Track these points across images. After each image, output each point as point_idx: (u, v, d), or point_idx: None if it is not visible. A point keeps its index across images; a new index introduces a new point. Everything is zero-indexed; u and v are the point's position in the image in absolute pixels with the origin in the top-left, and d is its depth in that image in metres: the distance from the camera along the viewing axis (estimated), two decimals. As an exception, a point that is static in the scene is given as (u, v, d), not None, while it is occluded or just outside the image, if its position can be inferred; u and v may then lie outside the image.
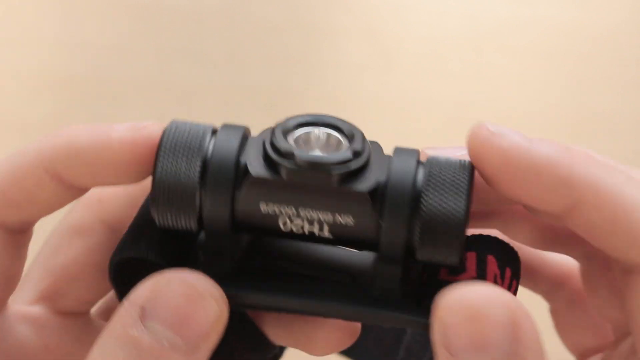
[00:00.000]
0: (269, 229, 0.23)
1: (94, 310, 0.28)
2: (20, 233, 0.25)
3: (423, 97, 0.73)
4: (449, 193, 0.22)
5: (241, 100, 0.71)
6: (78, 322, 0.27)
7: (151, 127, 0.23)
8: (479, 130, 0.24)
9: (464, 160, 0.23)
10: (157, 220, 0.23)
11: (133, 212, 0.25)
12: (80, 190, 0.25)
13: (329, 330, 0.25)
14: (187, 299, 0.21)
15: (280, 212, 0.23)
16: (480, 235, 0.24)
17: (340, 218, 0.23)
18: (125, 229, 0.26)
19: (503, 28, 0.76)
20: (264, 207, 0.23)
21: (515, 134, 0.24)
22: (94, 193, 0.26)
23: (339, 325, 0.25)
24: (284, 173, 0.22)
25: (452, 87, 0.74)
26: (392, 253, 0.23)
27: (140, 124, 0.24)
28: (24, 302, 0.26)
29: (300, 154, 0.22)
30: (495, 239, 0.24)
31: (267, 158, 0.23)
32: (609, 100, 0.75)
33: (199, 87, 0.71)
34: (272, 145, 0.22)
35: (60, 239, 0.26)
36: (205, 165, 0.22)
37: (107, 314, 0.28)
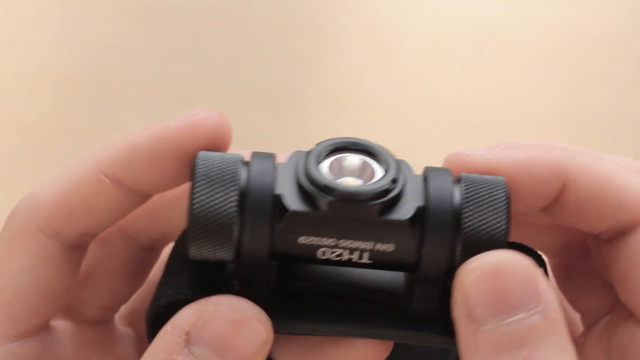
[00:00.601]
0: (306, 259, 0.23)
1: (117, 315, 0.28)
2: (76, 249, 0.25)
3: (423, 97, 0.73)
4: (488, 210, 0.23)
5: (241, 100, 0.71)
6: (103, 330, 0.27)
7: (205, 113, 0.24)
8: (456, 156, 0.25)
9: (498, 177, 0.23)
10: (191, 253, 0.22)
11: (151, 221, 0.25)
12: (141, 197, 0.25)
13: (363, 346, 0.25)
14: (234, 324, 0.21)
15: (320, 243, 0.23)
16: (510, 243, 0.24)
17: (380, 246, 0.23)
18: (140, 235, 0.26)
19: (503, 28, 0.76)
20: (302, 240, 0.23)
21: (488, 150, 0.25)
22: None
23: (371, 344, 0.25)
24: (323, 206, 0.22)
25: (452, 87, 0.74)
26: (432, 274, 0.23)
27: (193, 111, 0.24)
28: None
29: (339, 187, 0.22)
30: (523, 245, 0.25)
31: (303, 190, 0.22)
32: (609, 100, 0.75)
33: (199, 87, 0.71)
34: (308, 176, 0.22)
35: None
36: (242, 197, 0.22)
37: (130, 318, 0.28)
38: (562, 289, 0.28)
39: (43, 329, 0.25)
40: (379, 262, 0.23)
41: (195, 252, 0.22)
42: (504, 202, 0.23)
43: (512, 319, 0.21)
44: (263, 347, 0.21)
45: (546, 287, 0.21)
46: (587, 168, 0.24)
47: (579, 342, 0.27)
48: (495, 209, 0.23)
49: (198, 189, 0.22)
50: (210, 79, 0.72)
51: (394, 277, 0.25)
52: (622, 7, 0.79)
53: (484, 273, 0.21)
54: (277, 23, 0.75)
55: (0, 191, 0.62)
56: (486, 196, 0.23)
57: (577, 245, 0.27)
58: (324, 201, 0.22)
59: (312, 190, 0.22)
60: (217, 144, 0.24)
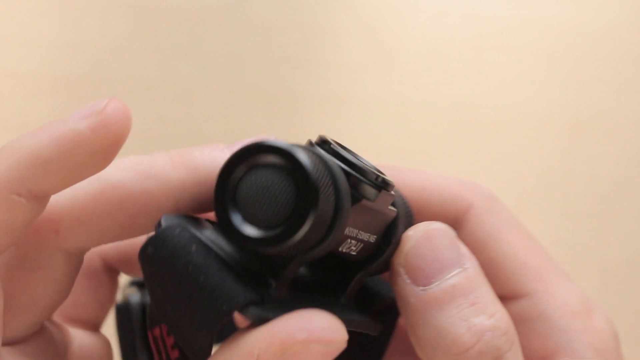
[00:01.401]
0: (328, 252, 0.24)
1: (105, 249, 0.29)
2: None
3: (423, 97, 0.73)
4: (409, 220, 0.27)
5: (241, 100, 0.71)
6: (40, 342, 0.26)
7: (112, 107, 0.23)
8: None
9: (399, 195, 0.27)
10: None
11: (97, 235, 0.24)
12: (47, 199, 0.24)
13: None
14: (326, 357, 0.21)
15: (351, 234, 0.24)
16: None
17: (370, 237, 0.25)
18: (87, 249, 0.25)
19: (503, 28, 0.76)
20: (348, 231, 0.24)
21: None
22: (47, 225, 0.24)
23: None
24: (372, 196, 0.24)
25: (452, 87, 0.74)
26: (377, 269, 0.26)
27: (96, 104, 0.24)
28: None
29: (383, 176, 0.25)
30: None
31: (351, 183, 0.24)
32: (608, 100, 0.75)
33: (199, 87, 0.71)
34: (350, 164, 0.24)
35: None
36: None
37: (123, 260, 0.29)
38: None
39: (32, 336, 0.25)
40: (359, 253, 0.25)
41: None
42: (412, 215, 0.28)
43: (451, 273, 0.24)
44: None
45: (465, 246, 0.25)
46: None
47: None
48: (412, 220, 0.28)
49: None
50: (210, 79, 0.72)
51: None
52: (622, 7, 0.79)
53: (418, 239, 0.25)
54: (277, 23, 0.75)
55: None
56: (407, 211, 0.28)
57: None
58: (373, 191, 0.24)
59: (363, 179, 0.24)
60: (124, 137, 0.23)
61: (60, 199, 0.24)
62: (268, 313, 0.22)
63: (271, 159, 0.21)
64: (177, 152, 0.25)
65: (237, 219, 0.21)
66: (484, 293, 0.24)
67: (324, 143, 0.24)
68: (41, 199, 0.23)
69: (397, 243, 0.25)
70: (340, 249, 0.24)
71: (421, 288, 0.24)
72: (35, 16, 0.74)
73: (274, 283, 0.23)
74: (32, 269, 0.24)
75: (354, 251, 0.24)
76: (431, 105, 0.73)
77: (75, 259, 0.25)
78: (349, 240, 0.24)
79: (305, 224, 0.21)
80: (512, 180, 0.73)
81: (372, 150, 0.70)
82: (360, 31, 0.76)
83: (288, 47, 0.74)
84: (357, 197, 0.23)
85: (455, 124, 0.72)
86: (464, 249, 0.25)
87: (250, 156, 0.22)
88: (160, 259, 0.22)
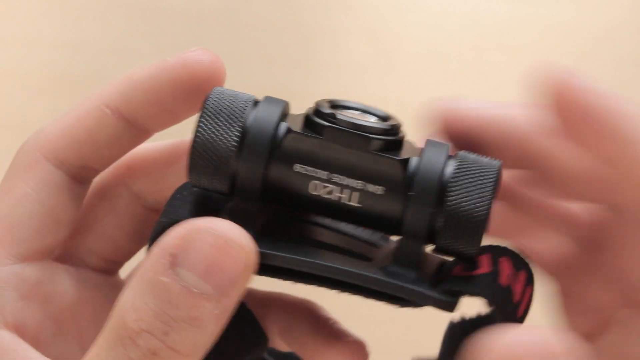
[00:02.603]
0: (297, 194, 0.24)
1: (124, 274, 0.29)
2: (79, 182, 0.26)
3: (423, 97, 0.73)
4: (475, 189, 0.23)
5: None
6: (106, 280, 0.28)
7: (200, 51, 0.27)
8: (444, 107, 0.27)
9: (494, 161, 0.24)
10: (191, 179, 0.24)
11: (156, 184, 0.27)
12: (141, 132, 0.26)
13: (341, 352, 0.26)
14: (217, 249, 0.21)
15: (313, 175, 0.23)
16: (495, 245, 0.25)
17: (371, 186, 0.23)
18: (145, 195, 0.27)
19: (503, 28, 0.76)
20: (298, 168, 0.23)
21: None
22: (123, 159, 0.27)
23: (351, 349, 0.26)
24: (325, 132, 0.23)
25: (452, 87, 0.74)
26: (414, 231, 0.23)
27: (189, 50, 0.26)
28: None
29: (343, 117, 0.24)
30: (508, 248, 0.25)
31: (308, 122, 0.24)
32: (609, 100, 0.75)
33: (199, 87, 0.72)
34: (315, 111, 0.24)
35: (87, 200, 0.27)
36: (244, 131, 0.23)
37: None
38: (568, 288, 0.28)
39: (45, 256, 0.26)
40: (367, 206, 0.24)
41: (194, 179, 0.24)
42: (491, 187, 0.23)
43: None
44: (246, 269, 0.22)
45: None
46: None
47: (593, 339, 0.27)
48: (482, 192, 0.23)
49: (204, 120, 0.23)
50: (210, 79, 0.72)
51: (381, 239, 0.26)
52: (622, 7, 0.79)
53: None
54: (278, 23, 0.75)
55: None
56: (476, 177, 0.23)
57: (585, 238, 0.27)
58: (327, 128, 0.23)
59: (317, 119, 0.24)
60: (212, 81, 0.26)
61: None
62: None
63: None
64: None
65: None
66: None
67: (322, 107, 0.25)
68: (130, 124, 0.25)
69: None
70: (312, 193, 0.23)
71: None
72: (35, 16, 0.74)
73: (227, 218, 0.23)
74: (101, 197, 0.27)
75: (348, 200, 0.23)
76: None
77: (135, 201, 0.27)
78: (317, 184, 0.23)
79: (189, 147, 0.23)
80: (512, 180, 0.73)
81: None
82: (360, 31, 0.76)
83: (288, 47, 0.74)
84: (290, 130, 0.23)
85: (455, 124, 0.72)
86: None
87: None
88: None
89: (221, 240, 0.21)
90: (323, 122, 0.23)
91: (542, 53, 0.76)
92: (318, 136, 0.23)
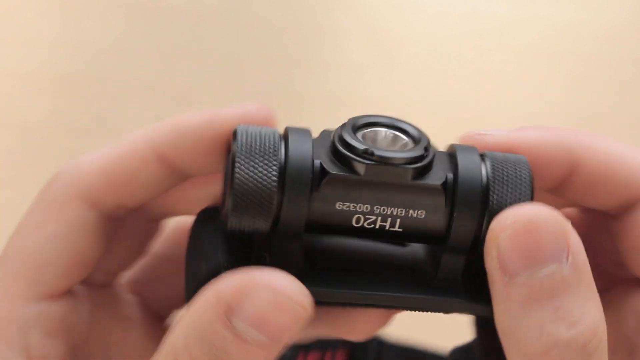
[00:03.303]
0: (341, 227, 0.24)
1: (121, 282, 0.29)
2: (112, 219, 0.26)
3: (423, 97, 0.73)
4: (515, 186, 0.24)
5: (241, 100, 0.71)
6: (109, 293, 0.28)
7: (255, 105, 0.26)
8: (471, 136, 0.26)
9: (519, 156, 0.24)
10: (230, 224, 0.23)
11: (161, 196, 0.26)
12: (181, 178, 0.26)
13: (369, 315, 0.26)
14: (275, 306, 0.22)
15: (356, 209, 0.23)
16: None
17: (412, 212, 0.24)
18: (149, 207, 0.27)
19: (503, 28, 0.76)
20: (339, 206, 0.23)
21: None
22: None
23: (378, 310, 0.26)
24: (360, 170, 0.23)
25: (452, 87, 0.74)
26: (459, 244, 0.24)
27: (244, 103, 0.26)
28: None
29: (376, 151, 0.23)
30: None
31: (339, 156, 0.23)
32: (608, 100, 0.75)
33: (199, 87, 0.71)
34: (344, 143, 0.23)
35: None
36: (282, 167, 0.23)
37: (134, 286, 0.29)
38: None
39: (69, 292, 0.26)
40: (409, 230, 0.24)
41: (235, 222, 0.23)
42: (529, 180, 0.24)
43: (544, 270, 0.22)
44: (300, 321, 0.22)
45: (576, 240, 0.22)
46: (596, 148, 0.25)
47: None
48: (521, 186, 0.24)
49: (240, 161, 0.23)
50: (210, 79, 0.72)
51: (415, 254, 0.26)
52: (622, 7, 0.79)
53: (517, 229, 0.22)
54: (277, 23, 0.75)
55: (0, 191, 0.62)
56: (512, 174, 0.24)
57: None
58: (361, 165, 0.23)
59: (350, 155, 0.23)
60: None
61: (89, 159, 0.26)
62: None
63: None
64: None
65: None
66: (575, 296, 0.22)
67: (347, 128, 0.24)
68: (172, 170, 0.25)
69: (470, 219, 0.23)
70: (355, 225, 0.23)
71: (508, 278, 0.22)
72: (35, 16, 0.74)
73: (268, 257, 0.23)
74: (44, 220, 0.26)
75: (390, 227, 0.24)
76: (431, 105, 0.73)
77: (138, 214, 0.27)
78: (361, 217, 0.23)
79: (229, 191, 0.23)
80: (512, 180, 0.73)
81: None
82: (360, 31, 0.76)
83: (288, 47, 0.74)
84: (326, 171, 0.23)
85: (455, 124, 0.72)
86: (574, 240, 0.22)
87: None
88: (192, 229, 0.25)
89: (279, 298, 0.22)
90: (357, 158, 0.23)
91: (542, 53, 0.76)
92: (356, 175, 0.23)
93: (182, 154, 0.25)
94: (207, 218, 0.25)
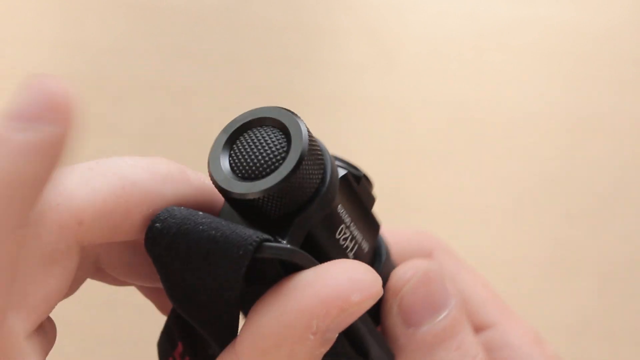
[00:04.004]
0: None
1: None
2: (86, 256, 0.25)
3: (423, 97, 0.73)
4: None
5: (241, 100, 0.71)
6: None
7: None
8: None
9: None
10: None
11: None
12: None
13: None
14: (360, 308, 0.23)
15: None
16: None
17: (364, 245, 0.25)
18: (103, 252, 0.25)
19: (503, 28, 0.76)
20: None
21: None
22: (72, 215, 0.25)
23: None
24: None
25: (452, 87, 0.74)
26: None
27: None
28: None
29: None
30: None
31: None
32: (608, 100, 0.75)
33: (199, 87, 0.71)
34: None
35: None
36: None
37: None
38: None
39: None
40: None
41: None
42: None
43: (441, 316, 0.24)
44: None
45: (451, 284, 0.25)
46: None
47: None
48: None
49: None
50: (210, 79, 0.72)
51: None
52: (622, 7, 0.79)
53: (417, 282, 0.25)
54: (277, 23, 0.75)
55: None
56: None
57: None
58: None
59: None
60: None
61: (82, 192, 0.24)
62: (292, 249, 0.23)
63: (269, 122, 0.25)
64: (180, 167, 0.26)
65: (229, 174, 0.23)
66: (466, 334, 0.25)
67: None
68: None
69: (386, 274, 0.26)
70: (337, 235, 0.24)
71: (412, 329, 0.24)
72: (35, 16, 0.74)
73: (283, 241, 0.23)
74: (50, 261, 0.24)
75: (350, 250, 0.24)
76: (431, 105, 0.73)
77: (89, 255, 0.25)
78: (343, 228, 0.24)
79: (291, 169, 0.23)
80: (511, 180, 0.73)
81: (372, 150, 0.70)
82: (360, 31, 0.76)
83: (288, 47, 0.74)
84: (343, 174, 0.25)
85: (455, 124, 0.72)
86: (450, 288, 0.25)
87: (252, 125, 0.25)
88: (170, 229, 0.23)
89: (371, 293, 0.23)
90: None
91: (542, 53, 0.76)
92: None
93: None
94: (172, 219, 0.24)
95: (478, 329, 0.30)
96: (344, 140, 0.68)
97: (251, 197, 0.23)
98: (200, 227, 0.22)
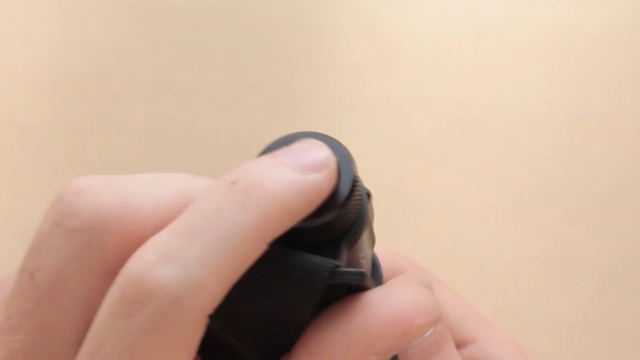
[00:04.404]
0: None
1: None
2: None
3: (423, 97, 0.73)
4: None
5: (241, 100, 0.71)
6: None
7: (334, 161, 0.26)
8: None
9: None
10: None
11: None
12: None
13: None
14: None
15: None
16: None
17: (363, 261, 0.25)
18: None
19: (503, 28, 0.76)
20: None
21: None
22: None
23: None
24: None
25: (452, 87, 0.74)
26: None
27: (325, 155, 0.24)
28: None
29: None
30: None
31: None
32: (608, 100, 0.75)
33: (199, 87, 0.71)
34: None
35: None
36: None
37: None
38: None
39: None
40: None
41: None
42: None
43: (429, 332, 0.24)
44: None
45: (438, 305, 0.25)
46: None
47: None
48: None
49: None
50: (210, 79, 0.72)
51: None
52: (622, 7, 0.79)
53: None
54: (277, 23, 0.75)
55: (0, 191, 0.62)
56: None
57: None
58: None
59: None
60: None
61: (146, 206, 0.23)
62: (363, 273, 0.22)
63: None
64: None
65: None
66: (450, 347, 0.25)
67: None
68: None
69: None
70: (359, 254, 0.24)
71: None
72: (35, 16, 0.74)
73: (342, 264, 0.23)
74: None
75: (364, 267, 0.25)
76: (431, 105, 0.73)
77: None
78: (362, 245, 0.24)
79: (349, 192, 0.23)
80: (511, 180, 0.73)
81: (372, 150, 0.70)
82: (360, 31, 0.76)
83: (288, 47, 0.74)
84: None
85: (455, 124, 0.72)
86: (439, 307, 0.25)
87: None
88: None
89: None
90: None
91: (542, 53, 0.76)
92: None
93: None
94: None
95: (459, 344, 0.30)
96: (344, 140, 0.67)
97: (319, 223, 0.22)
98: (267, 255, 0.22)
